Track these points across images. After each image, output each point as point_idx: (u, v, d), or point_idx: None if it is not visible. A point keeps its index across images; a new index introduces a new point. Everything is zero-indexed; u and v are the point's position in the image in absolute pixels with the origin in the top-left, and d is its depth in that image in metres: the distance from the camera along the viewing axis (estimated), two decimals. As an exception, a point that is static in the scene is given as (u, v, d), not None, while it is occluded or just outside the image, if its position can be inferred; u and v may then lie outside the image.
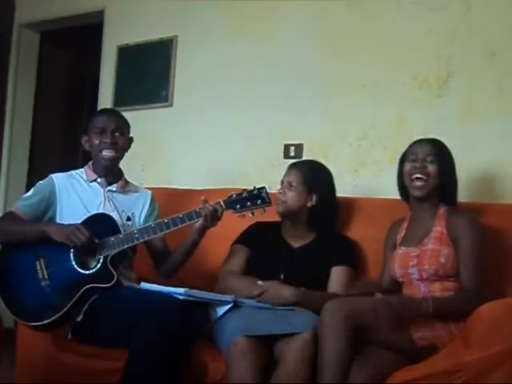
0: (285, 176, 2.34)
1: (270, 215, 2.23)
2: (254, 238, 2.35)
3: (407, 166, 2.12)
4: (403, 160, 2.16)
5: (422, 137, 2.15)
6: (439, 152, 2.10)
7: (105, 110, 2.51)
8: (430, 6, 2.70)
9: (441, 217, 2.08)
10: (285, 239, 2.33)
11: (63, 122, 5.00)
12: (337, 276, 2.20)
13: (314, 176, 2.31)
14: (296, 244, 2.31)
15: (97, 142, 2.27)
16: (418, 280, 2.03)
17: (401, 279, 2.10)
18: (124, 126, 2.34)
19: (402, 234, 2.18)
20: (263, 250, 2.29)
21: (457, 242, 2.01)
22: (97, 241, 2.11)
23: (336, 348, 1.78)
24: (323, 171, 2.36)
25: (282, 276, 2.20)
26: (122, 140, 2.30)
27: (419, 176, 2.08)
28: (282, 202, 2.28)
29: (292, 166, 2.37)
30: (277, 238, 2.34)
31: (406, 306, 1.91)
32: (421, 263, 2.01)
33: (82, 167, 2.37)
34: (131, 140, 2.37)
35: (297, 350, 1.85)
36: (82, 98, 5.12)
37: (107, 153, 2.26)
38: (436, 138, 2.14)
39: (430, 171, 2.07)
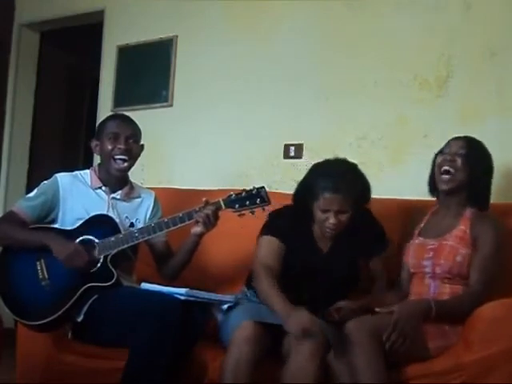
0: (331, 203, 2.03)
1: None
2: (287, 233, 2.15)
3: (439, 159, 2.11)
4: (438, 154, 2.16)
5: (457, 135, 2.14)
6: (472, 149, 2.08)
7: (119, 116, 2.41)
8: (430, 6, 2.70)
9: (466, 218, 2.05)
10: (315, 241, 2.18)
11: (63, 122, 5.01)
12: (376, 266, 2.19)
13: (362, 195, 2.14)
14: (325, 246, 2.18)
15: (110, 147, 2.21)
16: (430, 277, 2.00)
17: (412, 270, 2.07)
18: (138, 134, 2.30)
19: (422, 225, 2.16)
20: (295, 254, 2.13)
21: (476, 244, 1.98)
22: (97, 241, 2.11)
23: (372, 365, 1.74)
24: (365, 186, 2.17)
25: (306, 295, 2.09)
26: (135, 147, 2.26)
27: (447, 169, 2.06)
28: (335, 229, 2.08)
29: (337, 190, 2.02)
30: (307, 239, 2.17)
31: (409, 313, 1.83)
32: (437, 257, 2.00)
33: (88, 168, 2.34)
34: (142, 147, 2.33)
35: (307, 345, 1.82)
36: (82, 97, 5.13)
37: (120, 164, 2.21)
38: (475, 138, 2.13)
39: (459, 165, 2.05)
